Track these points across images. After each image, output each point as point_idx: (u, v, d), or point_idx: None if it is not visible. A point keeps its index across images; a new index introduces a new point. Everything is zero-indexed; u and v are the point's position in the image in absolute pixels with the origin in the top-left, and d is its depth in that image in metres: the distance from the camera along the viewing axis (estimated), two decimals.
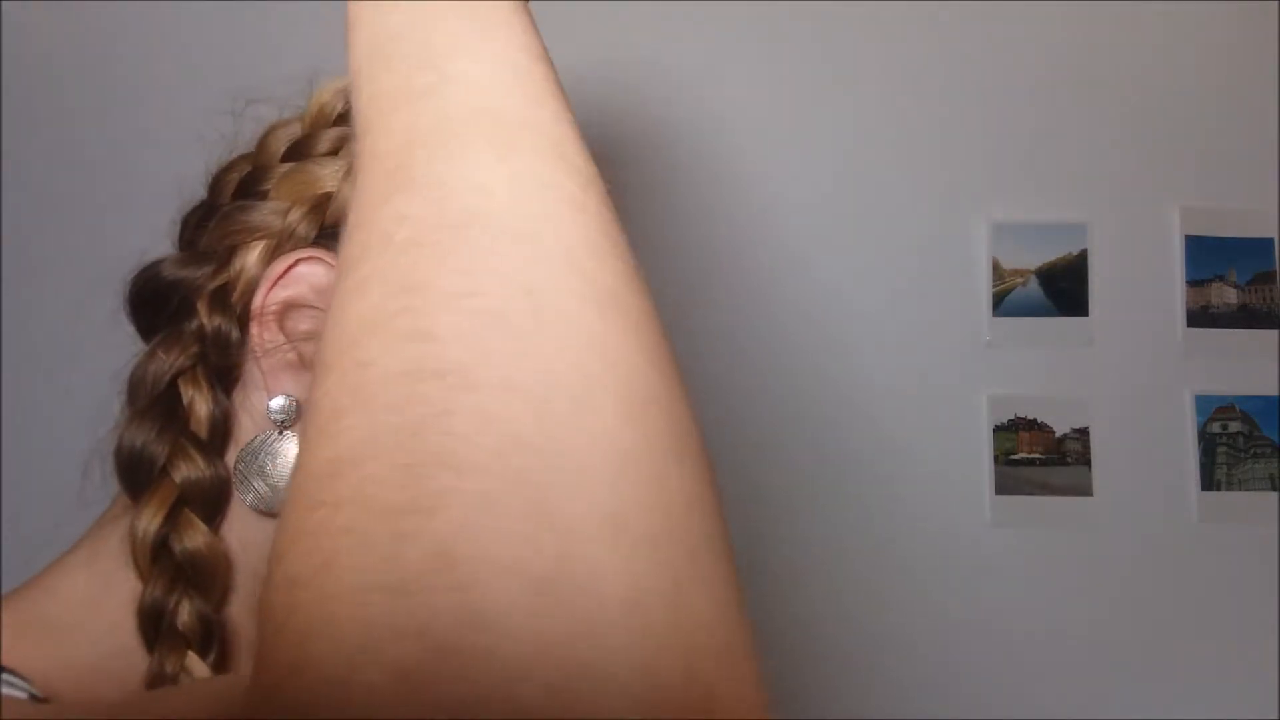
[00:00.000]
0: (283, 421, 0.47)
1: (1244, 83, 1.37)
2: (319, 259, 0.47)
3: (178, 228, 0.52)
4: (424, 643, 0.23)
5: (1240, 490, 1.32)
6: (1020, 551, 1.32)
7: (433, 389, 0.27)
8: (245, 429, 0.48)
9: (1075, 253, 1.35)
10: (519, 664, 0.23)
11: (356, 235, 0.31)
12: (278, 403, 0.47)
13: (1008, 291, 1.34)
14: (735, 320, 1.32)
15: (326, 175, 0.48)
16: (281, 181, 0.49)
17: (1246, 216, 1.36)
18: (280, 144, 0.50)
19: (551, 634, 0.23)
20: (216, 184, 0.52)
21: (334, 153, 0.49)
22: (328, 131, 0.50)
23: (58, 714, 0.42)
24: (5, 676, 0.41)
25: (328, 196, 0.48)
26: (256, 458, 0.47)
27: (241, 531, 0.48)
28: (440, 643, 0.23)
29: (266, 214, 0.48)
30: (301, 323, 0.47)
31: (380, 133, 0.33)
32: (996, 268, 1.34)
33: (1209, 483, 1.32)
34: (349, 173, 0.48)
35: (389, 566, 0.24)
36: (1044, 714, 1.27)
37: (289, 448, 0.47)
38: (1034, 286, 1.34)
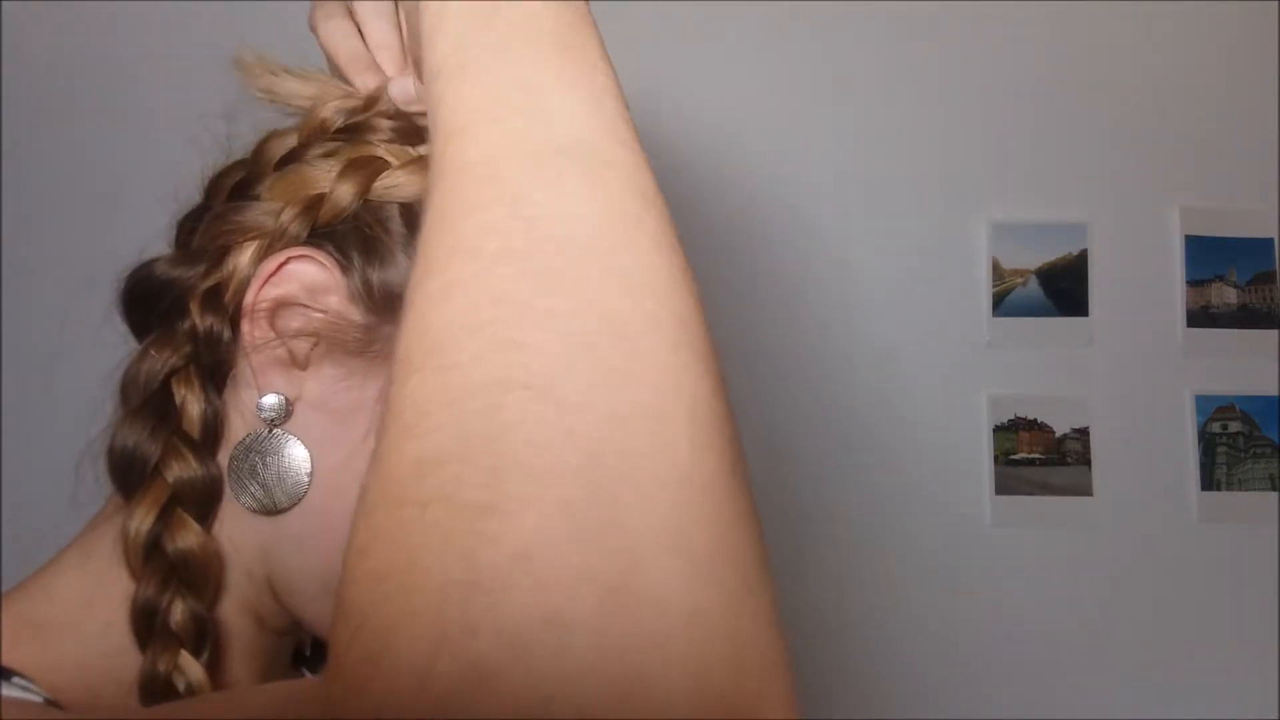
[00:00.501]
0: (273, 420, 0.47)
1: (1244, 83, 1.37)
2: (310, 257, 0.47)
3: (174, 230, 0.52)
4: (499, 639, 0.24)
5: (1240, 490, 1.32)
6: (1020, 551, 1.32)
7: (518, 398, 0.28)
8: (236, 428, 0.48)
9: (1075, 253, 1.35)
10: (587, 664, 0.24)
11: (441, 240, 0.33)
12: (268, 401, 0.47)
13: (1008, 291, 1.34)
14: (733, 320, 1.32)
15: (320, 176, 0.48)
16: (275, 182, 0.49)
17: (1246, 216, 1.36)
18: (276, 152, 0.51)
19: (618, 638, 0.25)
20: (212, 187, 0.52)
21: (328, 157, 0.50)
22: (323, 144, 0.50)
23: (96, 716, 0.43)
24: (15, 680, 0.41)
25: (321, 197, 0.48)
26: (247, 457, 0.47)
27: (233, 530, 0.48)
28: (514, 639, 0.24)
29: (259, 214, 0.48)
30: (292, 320, 0.47)
31: (469, 141, 0.34)
32: (996, 268, 1.34)
33: (1209, 483, 1.32)
34: (341, 173, 0.48)
35: (469, 564, 0.26)
36: (1044, 714, 1.27)
37: (279, 446, 0.47)
38: (1034, 286, 1.34)
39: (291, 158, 0.50)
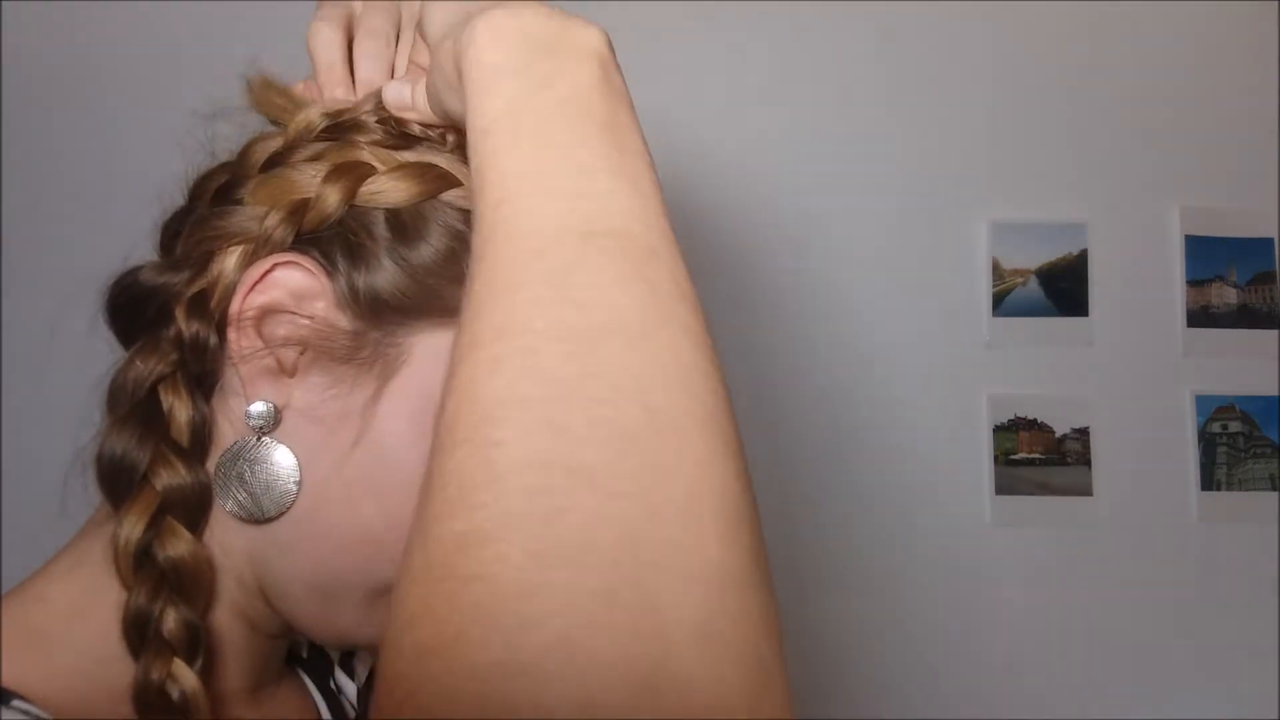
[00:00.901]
0: (261, 427, 0.47)
1: (1244, 83, 1.37)
2: (296, 263, 0.47)
3: (158, 234, 0.52)
4: None
5: (1240, 490, 1.32)
6: (1020, 551, 1.31)
7: (562, 483, 0.30)
8: (224, 434, 0.47)
9: (1075, 253, 1.34)
10: None
11: (493, 311, 0.34)
12: (256, 408, 0.46)
13: (1008, 291, 1.34)
14: (734, 321, 1.31)
15: (305, 181, 0.48)
16: (259, 187, 0.49)
17: (1246, 216, 1.35)
18: (261, 155, 0.50)
19: None
20: (195, 190, 0.52)
21: (313, 160, 0.49)
22: (309, 147, 0.50)
23: None
24: (15, 703, 0.41)
25: (306, 202, 0.47)
26: (235, 464, 0.46)
27: (223, 537, 0.47)
28: None
29: (244, 219, 0.48)
30: (279, 328, 0.47)
31: (520, 212, 0.35)
32: (996, 268, 1.34)
33: (1209, 483, 1.32)
34: (327, 178, 0.48)
35: (512, 645, 0.27)
36: (1044, 714, 1.27)
37: (267, 454, 0.46)
38: (1034, 286, 1.34)
39: (276, 161, 0.50)
